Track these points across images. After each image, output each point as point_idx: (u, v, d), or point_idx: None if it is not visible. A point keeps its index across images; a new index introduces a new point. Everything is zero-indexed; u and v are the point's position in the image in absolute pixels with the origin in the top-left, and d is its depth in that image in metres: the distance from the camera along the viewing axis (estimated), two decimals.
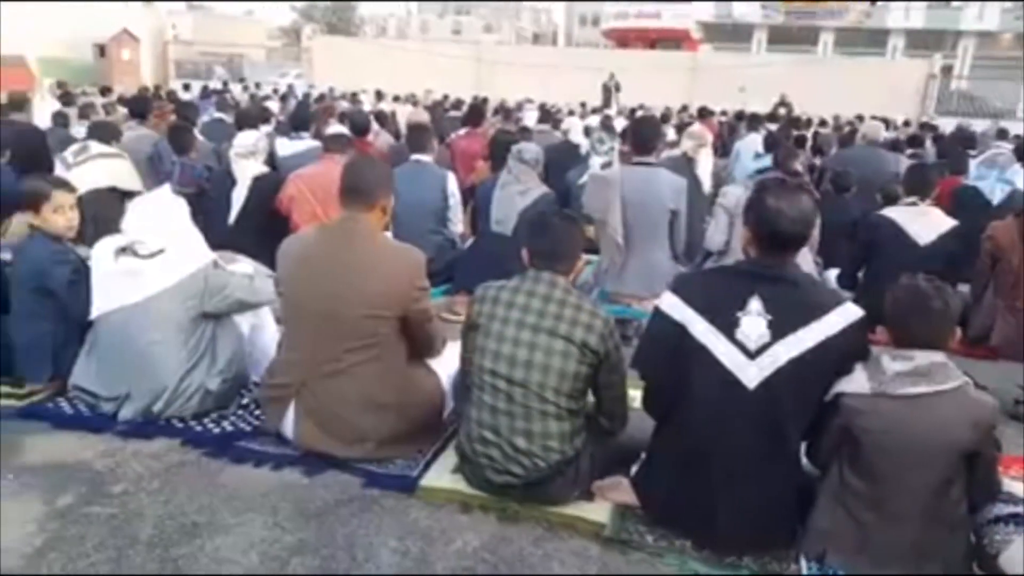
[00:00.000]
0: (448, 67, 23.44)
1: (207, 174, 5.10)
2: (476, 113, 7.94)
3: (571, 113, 13.27)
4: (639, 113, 12.47)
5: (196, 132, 6.01)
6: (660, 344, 2.22)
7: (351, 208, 2.53)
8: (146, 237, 2.73)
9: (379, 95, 15.83)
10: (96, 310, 2.75)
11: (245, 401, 2.92)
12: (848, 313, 2.08)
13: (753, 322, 2.07)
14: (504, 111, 11.77)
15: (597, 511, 2.32)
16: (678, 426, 2.22)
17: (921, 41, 32.37)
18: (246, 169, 4.60)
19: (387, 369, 2.53)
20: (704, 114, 11.78)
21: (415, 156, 4.92)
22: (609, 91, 20.10)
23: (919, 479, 1.99)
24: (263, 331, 3.11)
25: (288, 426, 2.58)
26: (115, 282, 2.72)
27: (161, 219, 2.79)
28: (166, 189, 3.07)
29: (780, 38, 34.44)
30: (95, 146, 4.58)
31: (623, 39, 35.16)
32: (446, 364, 2.76)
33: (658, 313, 2.23)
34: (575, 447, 2.32)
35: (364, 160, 2.76)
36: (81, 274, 2.85)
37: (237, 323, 2.98)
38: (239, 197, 4.57)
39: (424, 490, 2.42)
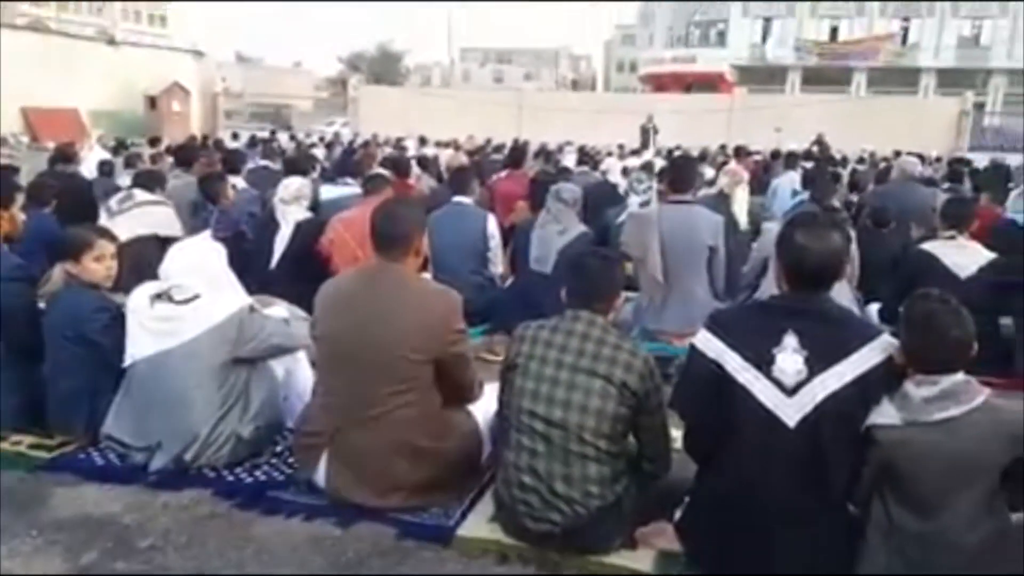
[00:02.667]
0: (490, 113, 23.93)
1: (247, 220, 5.20)
2: (517, 155, 8.03)
3: (609, 154, 13.36)
4: (677, 154, 12.49)
5: (240, 179, 6.18)
6: (697, 382, 2.17)
7: (385, 255, 2.50)
8: (182, 282, 2.74)
9: (423, 140, 16.15)
10: (130, 357, 2.74)
11: (279, 448, 2.87)
12: (886, 345, 2.03)
13: (789, 358, 2.02)
14: (545, 154, 11.90)
15: (640, 559, 2.22)
16: (720, 467, 2.15)
17: (952, 79, 32.59)
18: (289, 214, 4.66)
19: (423, 414, 2.47)
20: (740, 153, 11.75)
21: (456, 198, 4.96)
22: (648, 133, 20.24)
23: (967, 502, 1.94)
24: (298, 375, 3.07)
25: (321, 475, 2.52)
26: (150, 328, 2.72)
27: (198, 265, 2.81)
28: (205, 235, 3.11)
29: (814, 79, 34.66)
30: (139, 194, 4.70)
31: (660, 83, 35.49)
32: (483, 406, 2.70)
33: (694, 351, 2.18)
34: (616, 492, 2.24)
35: (393, 204, 2.72)
36: (119, 322, 2.85)
37: (272, 367, 2.95)
38: (282, 242, 4.62)
39: (460, 540, 2.34)
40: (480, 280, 4.79)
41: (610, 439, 2.23)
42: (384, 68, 51.09)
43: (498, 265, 4.97)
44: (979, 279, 3.91)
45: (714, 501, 2.17)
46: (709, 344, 2.15)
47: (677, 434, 2.43)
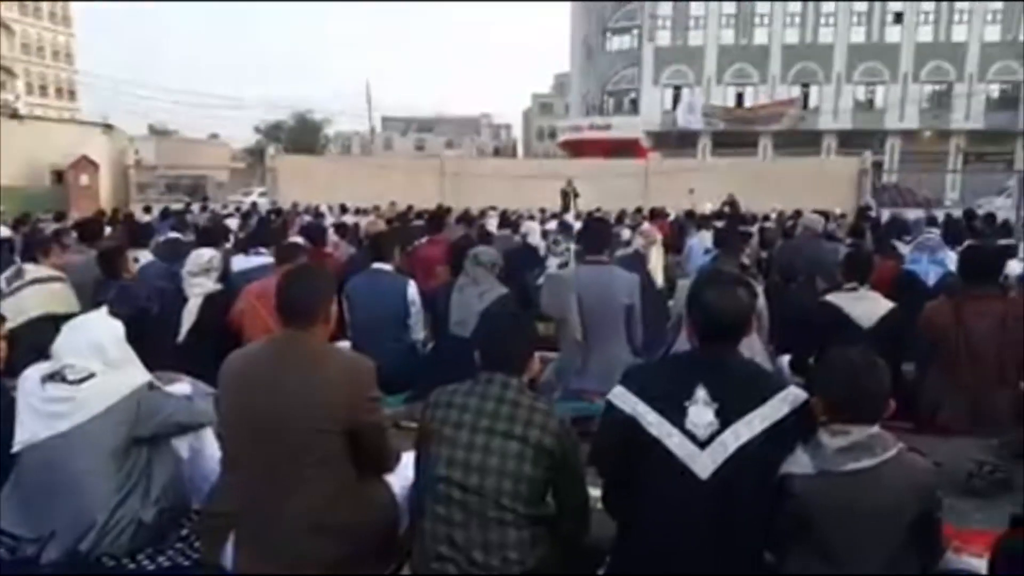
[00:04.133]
0: (413, 181, 24.07)
1: (155, 294, 5.00)
2: (437, 220, 8.09)
3: (531, 218, 13.61)
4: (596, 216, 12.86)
5: (146, 252, 5.99)
6: (614, 438, 2.19)
7: (292, 324, 2.43)
8: (76, 361, 2.59)
9: (343, 208, 16.09)
10: (19, 444, 2.55)
11: (185, 532, 2.69)
12: (792, 397, 2.09)
13: (701, 411, 2.06)
14: (467, 219, 12.04)
15: None
16: (638, 524, 2.15)
17: (852, 141, 34.85)
18: (197, 287, 4.55)
19: (337, 488, 2.37)
20: (656, 215, 12.18)
21: (376, 265, 4.93)
22: (568, 196, 20.81)
23: (874, 554, 1.96)
24: (204, 454, 2.91)
25: (229, 558, 2.38)
26: (41, 411, 2.55)
27: (93, 342, 2.65)
28: (101, 312, 2.97)
29: (723, 143, 36.61)
30: (31, 270, 4.47)
31: (578, 150, 36.71)
32: (400, 476, 2.62)
33: (610, 407, 2.20)
34: (536, 556, 2.18)
35: (299, 272, 2.66)
36: (8, 407, 2.64)
37: (175, 447, 2.79)
38: (189, 316, 4.49)
39: None
40: (401, 347, 4.73)
41: (528, 502, 2.19)
42: (303, 138, 50.96)
43: (419, 331, 4.92)
44: (881, 328, 4.08)
45: (633, 558, 2.16)
46: (624, 399, 2.17)
47: (597, 493, 2.41)
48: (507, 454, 2.19)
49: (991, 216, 12.20)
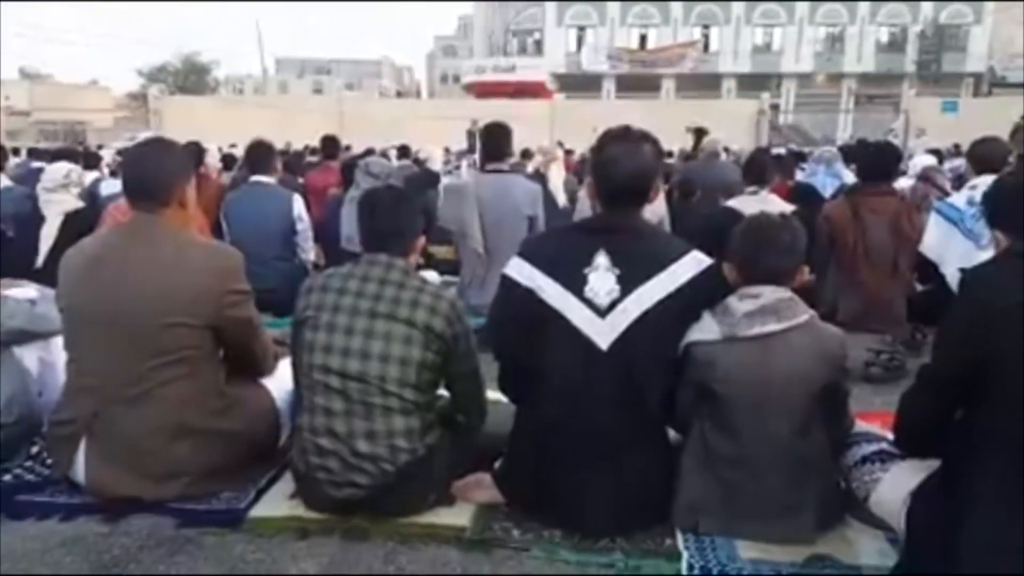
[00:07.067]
0: (311, 123, 22.97)
1: (11, 220, 4.50)
2: (330, 146, 7.63)
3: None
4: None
5: (2, 176, 5.38)
6: (511, 312, 2.03)
7: (139, 206, 2.13)
8: None
9: (233, 147, 15.14)
10: None
11: (35, 449, 2.41)
12: (697, 261, 1.97)
13: (601, 277, 1.92)
14: (368, 153, 11.57)
15: (457, 515, 2.03)
16: (536, 403, 2.00)
17: (751, 83, 35.57)
18: (56, 204, 4.12)
19: (201, 388, 2.14)
20: (561, 147, 12.03)
21: (255, 177, 4.55)
22: (474, 137, 20.47)
23: (779, 423, 1.88)
24: (55, 367, 2.59)
25: (80, 468, 2.12)
26: None
27: None
28: None
29: (627, 86, 36.64)
30: None
31: (483, 92, 36.04)
32: (280, 380, 2.39)
33: (505, 279, 2.03)
34: (426, 444, 2.02)
35: (146, 148, 2.35)
36: None
37: (19, 358, 2.48)
38: (48, 236, 4.06)
39: (254, 522, 2.04)
40: (288, 267, 4.40)
41: (417, 389, 2.02)
42: (191, 81, 47.73)
43: (309, 250, 4.60)
44: None
45: (531, 441, 2.03)
46: (521, 270, 2.01)
47: (493, 395, 2.25)
48: (391, 337, 1.99)
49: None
